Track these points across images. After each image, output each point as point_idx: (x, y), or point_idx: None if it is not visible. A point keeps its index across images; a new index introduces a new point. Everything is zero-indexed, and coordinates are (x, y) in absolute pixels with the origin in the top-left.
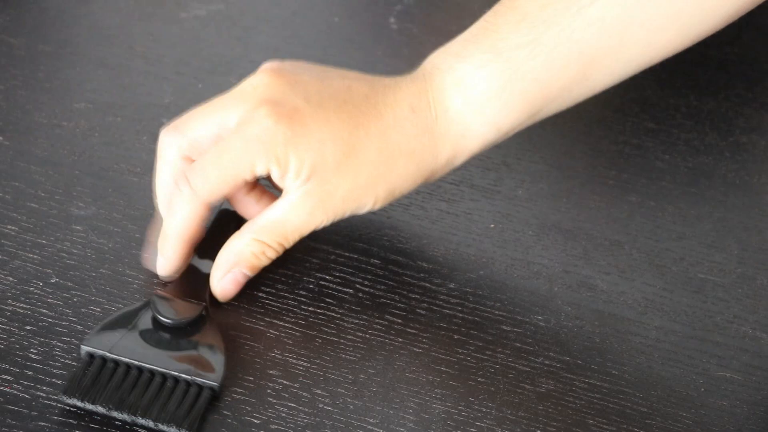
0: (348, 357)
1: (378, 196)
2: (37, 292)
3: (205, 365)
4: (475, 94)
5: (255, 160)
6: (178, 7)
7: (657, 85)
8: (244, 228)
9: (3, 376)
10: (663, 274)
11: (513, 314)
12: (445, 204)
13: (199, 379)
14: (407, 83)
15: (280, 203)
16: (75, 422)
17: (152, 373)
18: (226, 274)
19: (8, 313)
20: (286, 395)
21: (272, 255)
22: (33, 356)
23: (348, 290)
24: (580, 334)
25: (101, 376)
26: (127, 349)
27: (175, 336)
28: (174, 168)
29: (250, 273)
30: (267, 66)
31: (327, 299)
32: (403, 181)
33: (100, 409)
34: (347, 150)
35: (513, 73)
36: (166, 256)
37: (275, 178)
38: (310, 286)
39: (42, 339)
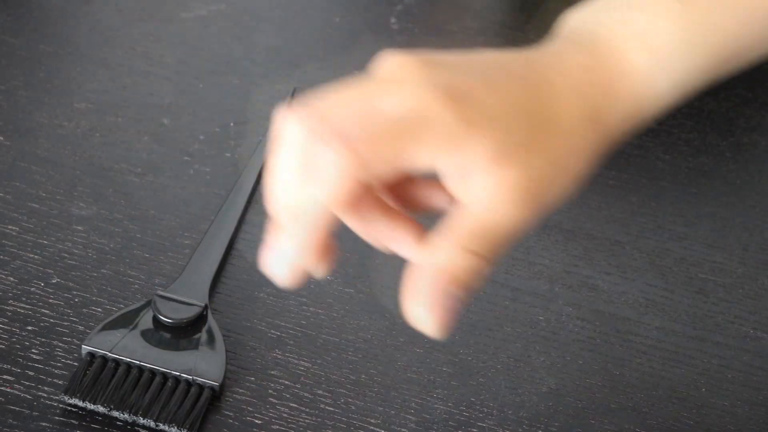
0: (349, 357)
1: (576, 172)
2: (39, 292)
3: (205, 365)
4: (660, 48)
5: (428, 146)
6: (179, 7)
7: None
8: (439, 239)
9: (4, 377)
10: (664, 274)
11: (514, 314)
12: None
13: (199, 379)
14: (569, 43)
15: (476, 203)
16: (76, 422)
17: (153, 373)
18: (436, 301)
19: (9, 314)
20: (288, 396)
21: (485, 272)
22: (34, 356)
23: (349, 290)
24: (582, 334)
25: (102, 376)
26: (128, 349)
27: (175, 336)
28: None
29: (463, 296)
30: (394, 56)
31: (328, 299)
32: (590, 152)
33: (101, 409)
34: (532, 123)
35: (699, 25)
36: (295, 241)
37: (450, 175)
38: (311, 286)
39: (43, 339)
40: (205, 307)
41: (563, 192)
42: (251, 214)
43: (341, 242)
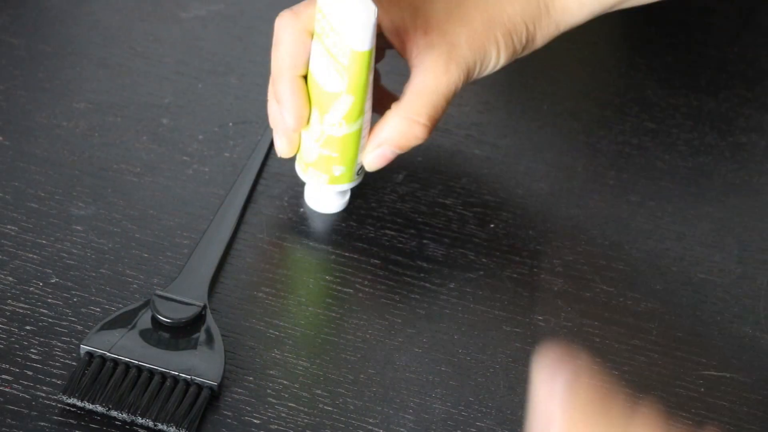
0: (348, 357)
1: (498, 39)
2: (37, 292)
3: (204, 365)
4: None
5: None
6: (178, 7)
7: (657, 85)
8: (392, 111)
9: (3, 376)
10: (663, 274)
11: (513, 314)
12: (446, 203)
13: (198, 379)
14: None
15: (414, 76)
16: (75, 422)
17: (152, 372)
18: (376, 149)
19: (8, 313)
20: (286, 395)
21: (422, 133)
22: (33, 356)
23: (348, 290)
24: (580, 334)
25: (101, 376)
26: (127, 348)
27: (174, 336)
28: (293, 47)
29: (399, 151)
30: None
31: (327, 299)
32: (515, 23)
33: (99, 408)
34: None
35: None
36: (283, 101)
37: (391, 34)
38: (310, 286)
39: (42, 339)
40: (204, 307)
41: (491, 56)
42: (250, 214)
43: (340, 242)
